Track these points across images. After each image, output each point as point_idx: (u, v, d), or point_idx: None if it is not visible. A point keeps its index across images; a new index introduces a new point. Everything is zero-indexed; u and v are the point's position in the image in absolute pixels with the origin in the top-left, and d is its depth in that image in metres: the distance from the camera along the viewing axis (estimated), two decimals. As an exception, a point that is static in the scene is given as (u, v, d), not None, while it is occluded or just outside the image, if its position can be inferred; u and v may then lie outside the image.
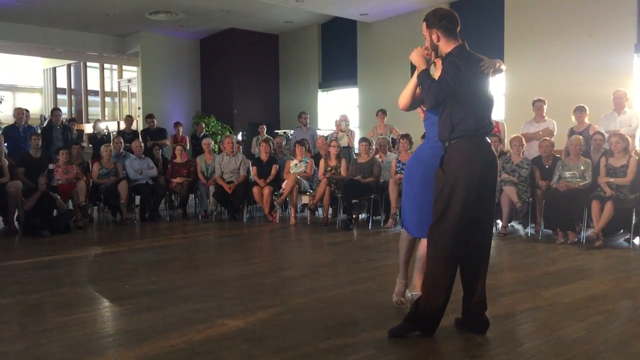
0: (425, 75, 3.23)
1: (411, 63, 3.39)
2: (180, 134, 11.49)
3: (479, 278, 3.37)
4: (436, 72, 3.35)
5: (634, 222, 6.31)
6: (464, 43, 3.31)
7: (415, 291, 3.83)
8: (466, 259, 3.32)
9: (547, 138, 7.39)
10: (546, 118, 7.98)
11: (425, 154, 3.55)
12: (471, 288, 3.38)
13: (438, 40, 3.30)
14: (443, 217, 3.21)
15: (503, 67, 3.42)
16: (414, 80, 3.37)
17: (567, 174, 6.80)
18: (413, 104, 3.53)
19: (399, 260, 3.95)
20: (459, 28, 3.32)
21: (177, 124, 11.67)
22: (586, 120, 7.58)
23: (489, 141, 3.34)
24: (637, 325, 3.63)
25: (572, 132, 7.53)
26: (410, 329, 3.32)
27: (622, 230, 6.72)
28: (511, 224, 7.53)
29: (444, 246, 3.21)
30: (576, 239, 6.55)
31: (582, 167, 6.76)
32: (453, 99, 3.20)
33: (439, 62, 3.34)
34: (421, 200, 3.52)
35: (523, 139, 7.41)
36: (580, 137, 7.04)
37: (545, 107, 7.97)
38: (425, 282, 3.34)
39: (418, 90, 3.36)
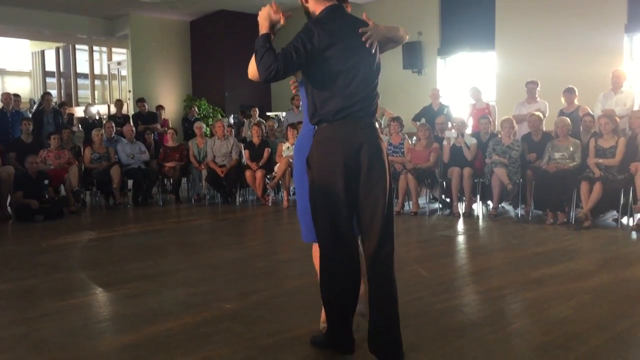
0: (262, 41, 2.62)
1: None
2: (162, 117, 11.44)
3: (389, 305, 2.75)
4: None
5: (622, 202, 6.40)
6: (341, 4, 2.74)
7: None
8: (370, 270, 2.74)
9: (535, 112, 7.41)
10: (538, 99, 8.01)
11: (306, 142, 2.85)
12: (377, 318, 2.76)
13: (307, 1, 2.76)
14: (315, 221, 2.78)
15: (406, 36, 2.84)
16: None
17: (557, 155, 6.86)
18: None
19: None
20: None
21: (158, 107, 11.64)
22: (575, 101, 7.63)
23: (367, 124, 2.71)
24: (623, 304, 3.71)
25: (561, 113, 7.57)
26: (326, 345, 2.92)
27: (614, 212, 6.79)
28: (502, 205, 7.62)
29: (323, 257, 2.78)
30: (565, 220, 6.64)
31: (571, 148, 6.82)
32: (311, 76, 2.69)
33: None
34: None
35: (514, 121, 7.45)
36: (566, 118, 7.08)
37: (537, 89, 8.01)
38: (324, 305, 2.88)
39: None
